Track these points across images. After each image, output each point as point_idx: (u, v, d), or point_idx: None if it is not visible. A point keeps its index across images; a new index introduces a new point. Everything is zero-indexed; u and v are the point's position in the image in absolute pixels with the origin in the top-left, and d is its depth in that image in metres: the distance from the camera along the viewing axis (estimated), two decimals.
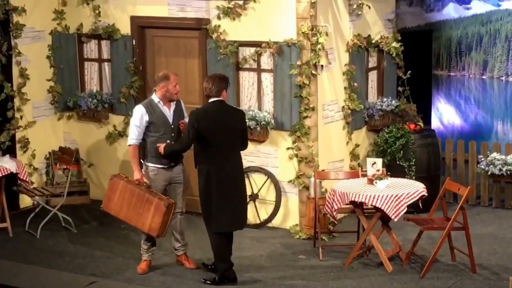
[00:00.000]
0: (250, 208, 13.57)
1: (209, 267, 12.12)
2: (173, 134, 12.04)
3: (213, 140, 11.44)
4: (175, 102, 12.10)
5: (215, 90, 11.50)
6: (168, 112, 12.04)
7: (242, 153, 11.88)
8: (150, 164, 12.04)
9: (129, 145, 12.08)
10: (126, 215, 11.96)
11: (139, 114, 11.93)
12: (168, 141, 11.92)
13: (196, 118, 11.41)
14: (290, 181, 13.65)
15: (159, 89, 12.00)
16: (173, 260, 12.41)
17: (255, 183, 13.86)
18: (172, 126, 12.03)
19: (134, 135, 11.96)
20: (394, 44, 14.59)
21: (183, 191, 12.29)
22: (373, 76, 14.69)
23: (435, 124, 16.06)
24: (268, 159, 13.76)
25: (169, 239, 12.34)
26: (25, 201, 14.88)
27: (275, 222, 13.86)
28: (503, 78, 15.76)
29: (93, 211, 14.48)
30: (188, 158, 12.21)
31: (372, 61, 14.65)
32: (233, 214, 11.53)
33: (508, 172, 14.29)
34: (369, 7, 14.26)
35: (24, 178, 13.98)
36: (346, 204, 12.14)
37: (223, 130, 11.50)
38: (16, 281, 11.79)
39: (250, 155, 13.69)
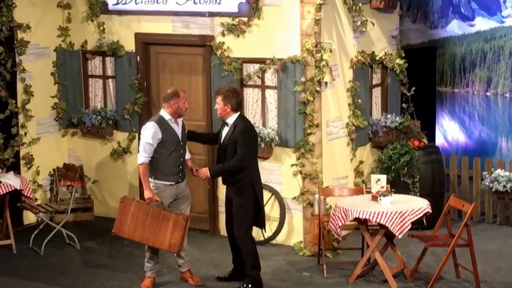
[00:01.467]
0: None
1: (224, 278, 12.30)
2: (182, 151, 12.09)
3: (256, 151, 12.12)
4: (181, 118, 12.11)
5: (238, 104, 11.83)
6: (177, 128, 12.04)
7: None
8: (158, 182, 11.96)
9: (141, 164, 11.89)
10: (142, 236, 11.87)
11: (153, 132, 11.82)
12: (181, 159, 12.04)
13: (253, 133, 12.02)
14: (294, 198, 13.66)
15: (169, 106, 11.95)
16: (177, 277, 12.41)
17: None
18: (182, 143, 12.07)
19: (146, 152, 11.83)
20: (398, 60, 14.62)
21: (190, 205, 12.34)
22: (377, 92, 14.73)
23: (439, 140, 16.09)
24: (272, 176, 13.77)
25: (172, 256, 12.31)
26: (29, 217, 14.89)
27: (279, 239, 13.88)
28: (507, 94, 15.79)
29: (97, 227, 14.49)
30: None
31: (376, 78, 14.69)
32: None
33: None
34: (373, 24, 14.31)
35: (28, 195, 13.97)
36: (351, 221, 12.15)
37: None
38: None
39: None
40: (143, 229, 11.78)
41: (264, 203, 13.00)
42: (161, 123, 11.89)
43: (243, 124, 11.79)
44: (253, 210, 11.88)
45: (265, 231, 12.88)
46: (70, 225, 14.14)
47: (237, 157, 11.62)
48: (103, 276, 12.70)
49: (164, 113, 11.97)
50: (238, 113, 11.88)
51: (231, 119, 11.81)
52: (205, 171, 11.95)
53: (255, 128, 12.52)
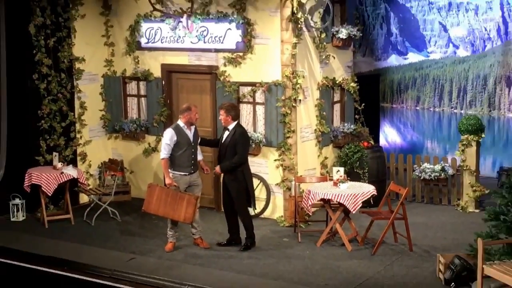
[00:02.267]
0: None
1: (222, 244, 12.30)
2: (193, 150, 12.07)
3: (248, 150, 12.34)
4: (194, 126, 12.11)
5: (236, 115, 12.00)
6: (190, 133, 12.02)
7: None
8: (175, 172, 11.99)
9: (162, 159, 12.00)
10: (164, 212, 11.96)
11: (170, 135, 11.90)
12: (192, 156, 12.03)
13: (248, 136, 12.22)
14: (277, 184, 13.56)
15: (183, 117, 12.00)
16: (191, 242, 12.34)
17: None
18: (193, 144, 12.04)
19: (166, 151, 11.90)
20: (352, 84, 14.54)
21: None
22: (337, 107, 14.59)
23: (382, 142, 16.20)
24: (261, 168, 13.66)
25: (188, 226, 12.33)
26: (83, 198, 14.82)
27: (266, 214, 13.75)
28: (431, 109, 16.03)
29: (133, 206, 14.35)
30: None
31: (336, 96, 14.55)
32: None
33: (435, 178, 14.23)
34: (334, 57, 14.22)
35: (83, 182, 13.94)
36: (318, 201, 12.17)
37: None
38: (77, 258, 11.81)
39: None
40: (164, 206, 11.88)
41: (254, 188, 12.94)
42: (177, 129, 11.96)
43: (241, 130, 11.98)
44: (245, 192, 11.95)
45: (255, 210, 12.77)
46: (113, 204, 14.02)
47: (238, 155, 11.83)
48: (137, 241, 12.64)
49: (180, 122, 12.03)
50: (236, 121, 11.99)
51: (231, 126, 11.94)
52: (218, 169, 12.00)
53: (248, 133, 12.54)
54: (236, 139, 11.82)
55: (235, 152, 11.79)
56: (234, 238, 12.27)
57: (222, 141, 12.01)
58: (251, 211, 12.56)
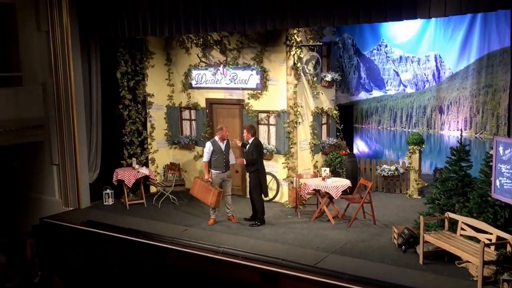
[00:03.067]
0: None
1: (246, 219, 12.22)
2: (224, 156, 11.95)
3: (262, 156, 12.06)
4: (225, 140, 12.02)
5: (254, 133, 11.92)
6: (222, 145, 11.94)
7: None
8: (212, 171, 11.92)
9: (204, 162, 11.97)
10: (200, 196, 11.92)
11: (208, 146, 11.89)
12: (224, 160, 11.87)
13: (261, 146, 11.96)
14: (284, 179, 13.49)
15: (218, 134, 11.96)
16: (226, 218, 12.30)
17: (267, 180, 13.63)
18: (224, 153, 11.94)
19: (206, 157, 11.90)
20: (335, 111, 14.47)
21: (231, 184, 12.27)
22: (324, 127, 14.51)
23: (355, 151, 15.97)
24: (273, 168, 13.57)
25: (224, 208, 12.24)
26: (153, 189, 14.76)
27: (276, 199, 13.68)
28: (388, 128, 15.70)
29: (186, 194, 14.20)
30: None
31: (324, 120, 14.45)
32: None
33: (391, 175, 14.16)
34: (322, 93, 14.16)
35: (153, 178, 13.96)
36: (311, 190, 12.09)
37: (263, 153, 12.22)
38: (149, 229, 11.80)
39: (265, 166, 13.50)
40: (201, 193, 11.88)
41: (268, 181, 12.95)
42: (213, 142, 11.94)
43: (256, 142, 11.91)
44: (260, 186, 11.89)
45: (267, 197, 12.59)
46: (173, 193, 14.00)
47: (252, 157, 11.76)
48: (189, 217, 12.61)
49: (216, 137, 12.01)
50: (254, 137, 11.90)
51: (250, 140, 11.89)
52: (242, 161, 11.99)
53: (263, 144, 12.48)
54: (252, 148, 11.83)
55: (252, 156, 11.82)
56: (254, 216, 12.16)
57: (245, 150, 12.07)
58: (266, 198, 12.49)
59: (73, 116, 13.36)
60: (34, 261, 12.60)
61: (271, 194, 13.56)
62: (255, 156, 11.80)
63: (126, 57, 14.15)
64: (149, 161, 14.91)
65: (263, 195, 12.02)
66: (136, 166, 13.75)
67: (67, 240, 12.37)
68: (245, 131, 12.00)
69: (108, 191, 13.84)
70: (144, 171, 13.63)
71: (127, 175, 13.34)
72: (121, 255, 11.57)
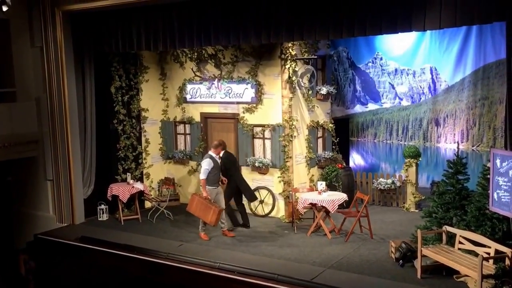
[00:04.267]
0: (259, 207, 13.49)
1: (241, 225, 12.53)
2: (220, 173, 12.01)
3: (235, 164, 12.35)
4: (218, 155, 12.09)
5: (222, 146, 12.05)
6: (218, 161, 11.97)
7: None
8: (209, 187, 11.85)
9: (202, 179, 11.84)
10: (198, 214, 11.84)
11: (208, 163, 11.82)
12: (219, 176, 11.93)
13: (229, 157, 12.16)
14: (280, 193, 13.42)
15: (214, 149, 11.99)
16: (220, 233, 12.27)
17: (262, 194, 13.62)
18: (220, 169, 12.01)
19: (204, 174, 11.80)
20: (330, 125, 14.43)
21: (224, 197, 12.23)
22: (320, 140, 14.50)
23: (351, 164, 16.02)
24: (269, 182, 13.53)
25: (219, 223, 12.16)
26: (147, 204, 14.67)
27: (272, 214, 13.60)
28: (384, 141, 15.80)
29: (181, 209, 14.17)
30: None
31: (319, 133, 14.46)
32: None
33: (388, 188, 14.13)
34: (317, 107, 14.14)
35: (147, 193, 13.90)
36: (308, 204, 12.03)
37: (236, 163, 12.46)
38: (143, 245, 11.72)
39: (260, 180, 13.52)
40: (199, 211, 11.78)
41: (264, 196, 12.95)
42: (212, 158, 11.91)
43: (224, 155, 12.09)
44: (236, 192, 12.33)
45: (252, 201, 12.94)
46: (167, 208, 13.90)
47: (225, 170, 12.13)
48: (184, 232, 12.54)
49: (212, 153, 11.99)
50: (224, 151, 12.15)
51: (221, 153, 12.15)
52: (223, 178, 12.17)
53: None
54: (222, 162, 12.02)
55: (225, 169, 12.05)
56: (244, 221, 12.45)
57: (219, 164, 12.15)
58: (248, 204, 12.76)
59: (67, 132, 13.33)
60: (28, 277, 12.46)
61: (266, 209, 13.47)
62: (228, 167, 12.10)
63: (120, 71, 14.12)
64: (144, 176, 14.82)
65: (249, 200, 12.46)
66: (131, 181, 13.67)
67: (62, 256, 12.26)
68: (213, 150, 12.07)
69: (102, 206, 13.74)
70: (139, 186, 13.56)
71: (121, 190, 13.26)
72: (115, 271, 11.49)
